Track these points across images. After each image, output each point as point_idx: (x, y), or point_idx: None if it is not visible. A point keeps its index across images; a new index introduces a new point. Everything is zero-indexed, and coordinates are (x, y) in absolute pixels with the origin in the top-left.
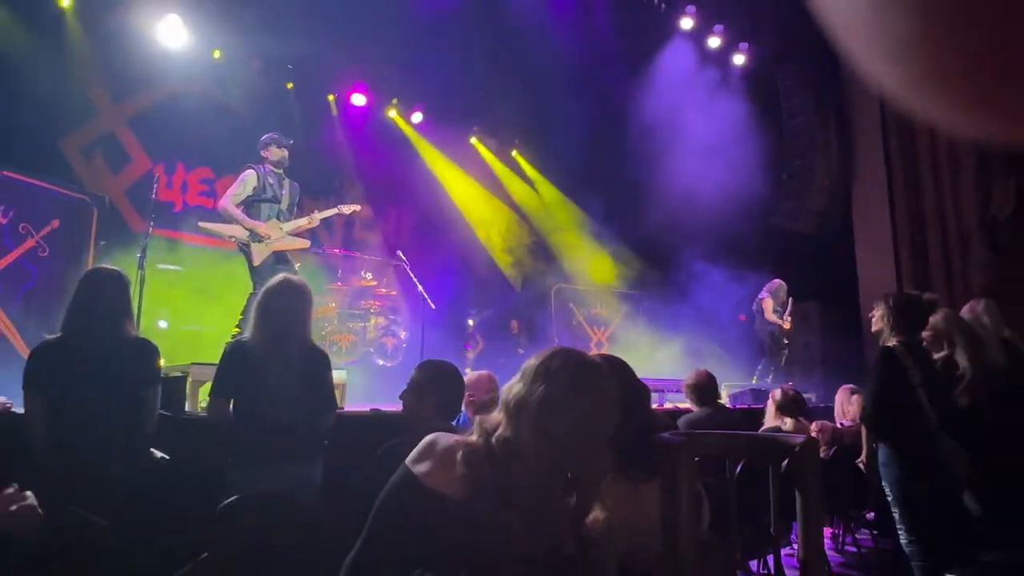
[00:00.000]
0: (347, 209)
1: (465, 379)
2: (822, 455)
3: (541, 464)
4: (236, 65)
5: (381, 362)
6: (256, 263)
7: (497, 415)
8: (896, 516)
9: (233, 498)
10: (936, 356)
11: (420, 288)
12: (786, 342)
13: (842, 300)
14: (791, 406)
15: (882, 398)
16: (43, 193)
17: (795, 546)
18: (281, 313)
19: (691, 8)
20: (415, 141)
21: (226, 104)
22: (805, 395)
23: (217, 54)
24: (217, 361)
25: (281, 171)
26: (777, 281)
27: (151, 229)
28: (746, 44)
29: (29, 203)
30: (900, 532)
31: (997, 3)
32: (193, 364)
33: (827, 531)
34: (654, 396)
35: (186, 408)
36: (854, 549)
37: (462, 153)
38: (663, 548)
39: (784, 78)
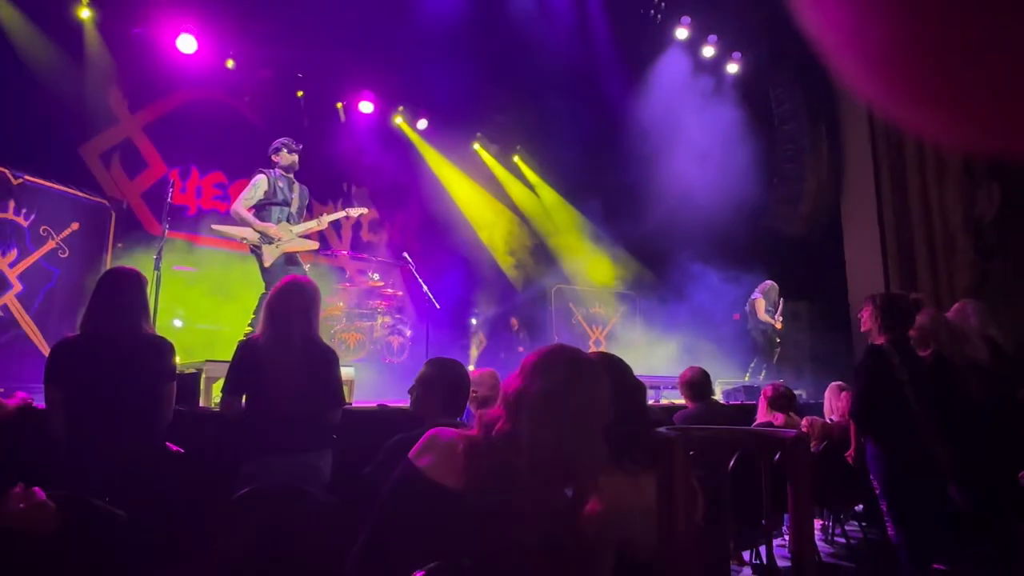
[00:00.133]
0: (355, 212)
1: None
2: (812, 449)
3: (539, 456)
4: (248, 74)
5: (388, 359)
6: (267, 264)
7: (496, 409)
8: (884, 508)
9: (245, 489)
10: (922, 354)
11: (425, 288)
12: (779, 340)
13: (831, 300)
14: (782, 401)
15: (870, 394)
16: (63, 197)
17: (786, 537)
18: (286, 312)
19: (686, 19)
20: (420, 147)
21: (239, 111)
22: (796, 392)
23: (231, 63)
24: (230, 358)
25: (291, 175)
26: (769, 282)
27: (166, 231)
28: (739, 53)
29: (50, 207)
30: (887, 524)
31: (978, 19)
32: (207, 361)
33: (817, 522)
34: (650, 392)
35: (200, 403)
36: (843, 540)
37: (465, 158)
38: (659, 538)
39: (775, 86)
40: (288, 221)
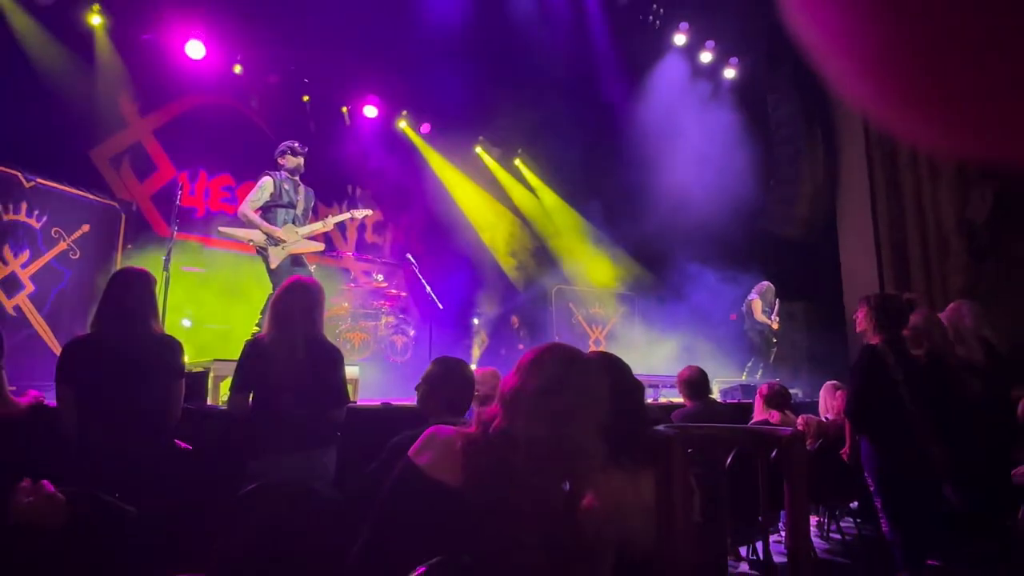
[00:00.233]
0: (359, 214)
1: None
2: (808, 447)
3: (536, 452)
4: (256, 79)
5: (392, 359)
6: (273, 265)
7: (494, 407)
8: (878, 505)
9: (252, 486)
10: (916, 353)
11: (428, 289)
12: (775, 340)
13: (827, 300)
14: (777, 399)
15: (865, 394)
16: (74, 199)
17: (783, 533)
18: (291, 312)
19: (684, 25)
20: (423, 150)
21: (246, 115)
22: (791, 390)
23: (238, 69)
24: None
25: (297, 178)
26: (765, 283)
27: (175, 233)
28: (736, 59)
29: (61, 209)
30: (882, 520)
31: (970, 23)
32: (215, 360)
33: (813, 519)
34: (649, 391)
35: (208, 401)
36: (839, 536)
37: (468, 161)
38: (658, 535)
39: (772, 90)
40: (294, 223)
